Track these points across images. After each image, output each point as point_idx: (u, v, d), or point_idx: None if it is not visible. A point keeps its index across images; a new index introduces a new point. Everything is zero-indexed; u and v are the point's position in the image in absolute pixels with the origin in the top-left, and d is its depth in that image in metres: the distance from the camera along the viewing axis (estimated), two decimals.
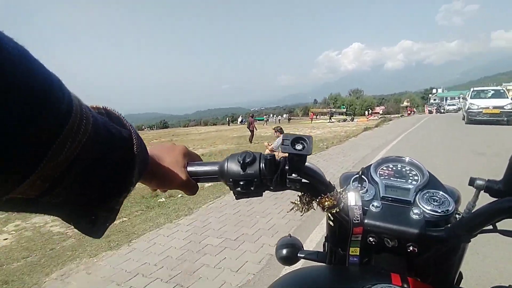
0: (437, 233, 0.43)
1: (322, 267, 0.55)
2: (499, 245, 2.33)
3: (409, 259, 0.47)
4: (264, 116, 53.03)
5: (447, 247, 0.45)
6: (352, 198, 0.45)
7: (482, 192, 0.45)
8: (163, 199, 4.67)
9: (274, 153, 0.52)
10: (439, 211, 0.45)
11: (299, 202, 0.47)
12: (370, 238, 0.46)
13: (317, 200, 0.45)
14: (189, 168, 0.45)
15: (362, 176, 0.52)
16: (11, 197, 0.21)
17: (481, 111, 11.79)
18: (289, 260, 0.62)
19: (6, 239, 3.31)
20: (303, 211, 0.47)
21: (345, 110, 64.60)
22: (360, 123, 23.79)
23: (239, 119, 50.44)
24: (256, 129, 16.13)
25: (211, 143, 15.69)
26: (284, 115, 56.76)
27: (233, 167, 0.42)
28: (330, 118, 37.80)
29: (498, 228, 0.41)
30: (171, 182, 0.43)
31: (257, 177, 0.42)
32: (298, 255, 0.62)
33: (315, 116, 49.11)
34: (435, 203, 0.46)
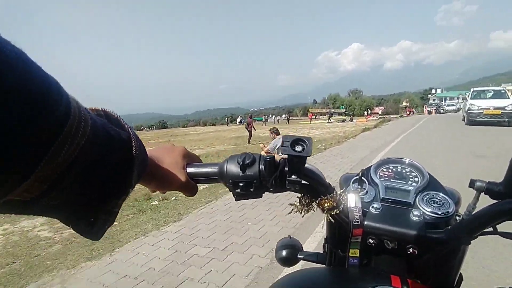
0: (437, 235, 0.42)
1: (321, 268, 0.55)
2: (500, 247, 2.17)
3: (409, 261, 0.46)
4: (263, 117, 52.92)
5: (447, 249, 0.44)
6: (352, 200, 0.45)
7: (482, 194, 0.45)
8: (156, 202, 4.54)
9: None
10: (439, 213, 0.45)
11: (298, 204, 0.46)
12: (370, 239, 0.45)
13: (317, 202, 0.44)
14: (189, 170, 0.44)
15: (362, 178, 0.51)
16: (9, 199, 0.21)
17: (482, 112, 11.50)
18: (288, 261, 0.62)
19: None
20: (302, 213, 0.46)
21: (344, 110, 64.55)
22: (359, 124, 23.67)
23: (238, 119, 50.35)
24: (255, 129, 16.03)
25: (208, 144, 15.54)
26: (283, 115, 56.63)
27: (233, 168, 0.42)
28: (329, 119, 37.71)
29: (499, 230, 0.41)
30: (170, 183, 0.42)
31: (257, 178, 0.41)
32: (298, 256, 0.61)
33: (314, 117, 49.02)
34: (435, 205, 0.46)
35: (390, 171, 0.55)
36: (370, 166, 0.56)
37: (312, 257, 0.60)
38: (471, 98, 12.65)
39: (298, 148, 0.39)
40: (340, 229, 0.50)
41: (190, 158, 0.47)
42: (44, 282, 2.36)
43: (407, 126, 15.35)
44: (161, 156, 0.43)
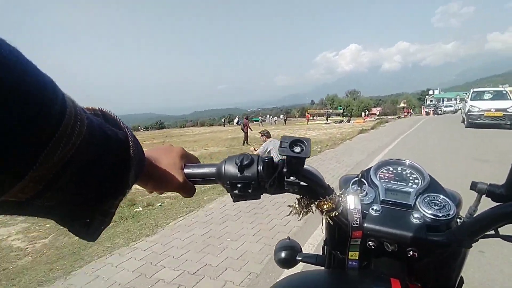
0: (437, 238, 0.42)
1: (321, 271, 0.55)
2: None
3: (409, 264, 0.46)
4: (260, 117, 52.63)
5: (448, 252, 0.43)
6: (352, 202, 0.45)
7: (484, 196, 0.44)
8: (140, 209, 4.24)
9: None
10: (440, 215, 0.44)
11: (297, 205, 0.45)
12: (370, 242, 0.45)
13: (316, 203, 0.44)
14: (186, 170, 0.44)
15: (362, 179, 0.51)
16: (3, 199, 0.21)
17: (483, 114, 10.88)
18: (287, 263, 0.61)
19: None
20: (301, 215, 0.45)
21: (342, 111, 64.45)
22: (356, 125, 23.40)
23: (236, 120, 50.09)
24: (251, 130, 15.77)
25: (203, 145, 15.20)
26: (281, 116, 56.31)
27: (231, 169, 0.42)
28: (326, 119, 37.45)
29: (500, 233, 0.40)
30: (167, 184, 0.42)
31: (255, 179, 0.41)
32: (297, 258, 0.60)
33: (311, 117, 48.77)
34: (436, 207, 0.45)
35: (390, 172, 0.54)
36: (370, 168, 0.55)
37: (311, 259, 0.59)
38: (471, 99, 12.07)
39: (297, 149, 0.38)
40: (339, 231, 0.49)
41: (188, 159, 0.46)
42: None
43: (405, 127, 15.06)
44: (159, 157, 0.42)
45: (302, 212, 0.45)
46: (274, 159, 0.41)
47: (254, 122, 44.77)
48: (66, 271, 2.51)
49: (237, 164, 0.41)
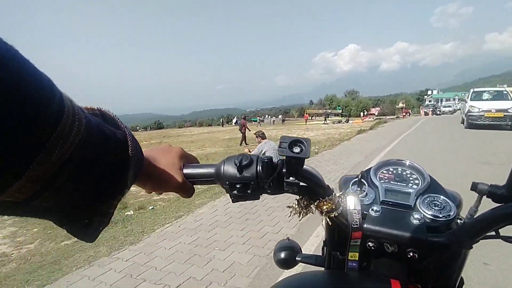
0: (438, 239, 0.42)
1: (320, 272, 0.55)
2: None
3: (409, 265, 0.46)
4: (258, 118, 52.48)
5: (448, 253, 0.43)
6: (351, 202, 0.45)
7: (484, 197, 0.44)
8: (131, 212, 4.08)
9: None
10: (440, 216, 0.44)
11: (297, 206, 0.45)
12: (370, 243, 0.45)
13: (315, 204, 0.43)
14: (185, 170, 0.44)
15: (362, 180, 0.50)
16: (0, 200, 0.21)
17: (483, 115, 10.52)
18: (287, 263, 0.61)
19: None
20: (301, 215, 0.45)
21: (340, 111, 64.42)
22: (355, 125, 23.26)
23: (234, 120, 49.93)
24: (249, 130, 15.66)
25: (200, 146, 15.04)
26: (280, 116, 56.16)
27: (230, 169, 0.41)
28: (325, 120, 37.32)
29: (501, 234, 0.40)
30: (166, 184, 0.41)
31: (254, 180, 0.40)
32: (297, 258, 0.60)
33: (310, 117, 48.66)
34: (436, 208, 0.45)
35: (390, 173, 0.54)
36: (370, 168, 0.55)
37: (310, 259, 0.59)
38: (470, 100, 11.75)
39: (296, 150, 0.38)
40: (339, 232, 0.49)
41: (187, 159, 0.45)
42: None
43: (404, 128, 14.92)
44: (158, 157, 0.41)
45: (302, 212, 0.45)
46: (273, 160, 0.41)
47: (253, 122, 44.61)
48: (41, 284, 2.35)
49: (236, 165, 0.41)
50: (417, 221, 0.44)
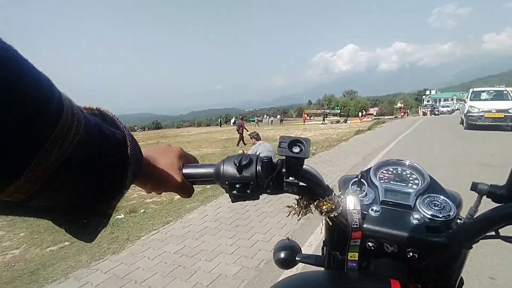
0: (437, 239, 0.42)
1: (320, 272, 0.55)
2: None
3: (409, 265, 0.46)
4: (256, 118, 52.32)
5: (448, 253, 0.43)
6: (351, 202, 0.44)
7: (484, 197, 0.44)
8: (122, 216, 3.93)
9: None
10: (440, 216, 0.44)
11: (296, 206, 0.45)
12: (369, 243, 0.45)
13: (315, 204, 0.43)
14: (185, 170, 0.43)
15: (362, 180, 0.50)
16: None
17: (483, 115, 10.20)
18: (287, 263, 0.61)
19: None
20: (300, 215, 0.45)
21: (339, 111, 64.38)
22: (353, 125, 23.14)
23: (232, 120, 49.76)
24: (247, 131, 15.50)
25: (196, 146, 14.86)
26: (278, 116, 56.03)
27: (229, 169, 0.41)
28: (323, 120, 37.19)
29: (501, 234, 0.40)
30: (166, 184, 0.41)
31: (253, 180, 0.40)
32: (296, 258, 0.60)
33: (308, 117, 48.55)
34: (436, 208, 0.45)
35: (390, 173, 0.54)
36: (370, 168, 0.55)
37: (310, 259, 0.59)
38: (470, 100, 11.46)
39: (296, 149, 0.38)
40: (338, 232, 0.49)
41: (186, 159, 0.45)
42: None
43: (402, 128, 14.79)
44: (157, 157, 0.41)
45: (302, 212, 0.45)
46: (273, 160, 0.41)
47: (251, 123, 44.44)
48: None
49: (235, 164, 0.41)
50: (417, 221, 0.44)
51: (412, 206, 0.47)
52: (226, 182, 0.41)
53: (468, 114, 10.81)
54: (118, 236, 3.32)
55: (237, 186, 0.41)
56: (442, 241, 0.41)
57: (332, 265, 0.54)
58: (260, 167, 0.40)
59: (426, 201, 0.47)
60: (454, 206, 0.45)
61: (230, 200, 0.43)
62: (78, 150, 0.23)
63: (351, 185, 0.51)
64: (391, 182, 0.52)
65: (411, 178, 0.52)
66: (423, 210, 0.45)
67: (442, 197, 0.47)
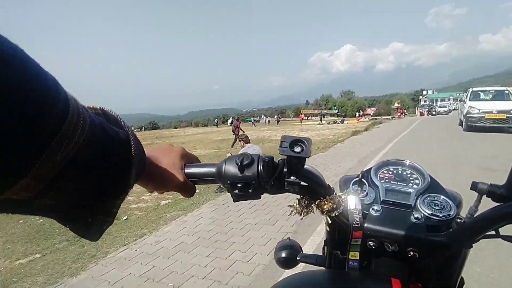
0: (438, 238, 0.42)
1: (321, 271, 0.55)
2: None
3: (410, 264, 0.46)
4: (252, 118, 52.05)
5: (448, 252, 0.43)
6: (352, 202, 0.45)
7: (484, 197, 0.44)
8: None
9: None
10: (440, 215, 0.44)
11: (298, 205, 0.45)
12: (370, 242, 0.45)
13: (316, 203, 0.44)
14: (187, 170, 0.44)
15: (362, 179, 0.51)
16: (4, 198, 0.21)
17: (483, 116, 9.58)
18: (288, 263, 0.61)
19: None
20: (302, 215, 0.45)
21: (336, 111, 64.32)
22: (350, 125, 22.88)
23: (229, 121, 49.47)
24: (244, 132, 15.20)
25: (191, 147, 14.50)
26: (275, 116, 55.75)
27: (231, 169, 0.42)
28: (320, 120, 36.93)
29: (501, 233, 0.41)
30: (168, 184, 0.42)
31: (255, 179, 0.41)
32: (297, 258, 0.61)
33: (306, 118, 48.33)
34: (436, 208, 0.45)
35: (390, 173, 0.54)
36: (371, 168, 0.55)
37: (311, 259, 0.60)
38: (469, 100, 10.85)
39: (297, 149, 0.38)
40: (340, 231, 0.49)
41: (188, 158, 0.45)
42: None
43: (400, 129, 14.52)
44: (159, 156, 0.42)
45: (303, 212, 0.45)
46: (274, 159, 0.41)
47: (248, 123, 44.10)
48: None
49: (237, 164, 0.41)
50: (417, 221, 0.44)
51: (412, 205, 0.47)
52: (228, 182, 0.41)
53: (467, 115, 10.23)
54: (86, 251, 3.00)
55: (239, 185, 0.41)
56: (443, 240, 0.41)
57: (333, 264, 0.54)
58: (261, 167, 0.40)
59: (426, 200, 0.47)
60: (454, 206, 0.45)
61: (232, 199, 0.43)
62: (84, 150, 0.23)
63: (352, 185, 0.51)
64: (391, 182, 0.52)
65: (411, 178, 0.52)
66: (423, 210, 0.45)
67: (442, 196, 0.47)
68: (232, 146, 13.30)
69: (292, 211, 0.45)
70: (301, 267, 0.60)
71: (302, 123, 36.35)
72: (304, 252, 0.62)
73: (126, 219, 3.79)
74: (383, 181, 0.52)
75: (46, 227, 3.84)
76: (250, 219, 3.33)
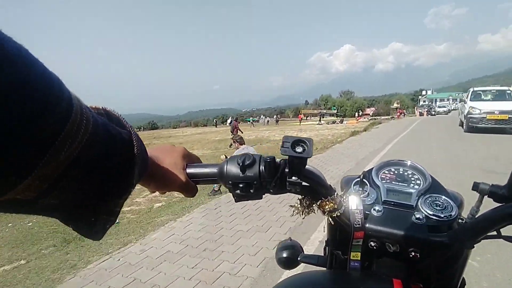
0: (439, 238, 0.42)
1: (323, 271, 0.55)
2: None
3: (411, 265, 0.46)
4: (251, 118, 51.93)
5: (449, 252, 0.43)
6: (353, 202, 0.45)
7: (486, 197, 0.44)
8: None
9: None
10: (442, 216, 0.44)
11: (299, 206, 0.46)
12: (372, 242, 0.45)
13: (318, 204, 0.44)
14: (189, 170, 0.44)
15: (364, 180, 0.51)
16: (8, 197, 0.21)
17: (485, 117, 9.26)
18: (289, 263, 0.61)
19: None
20: (303, 215, 0.46)
21: (336, 111, 64.24)
22: (349, 125, 22.74)
23: (229, 121, 49.35)
24: (242, 132, 15.10)
25: (188, 148, 14.23)
26: (274, 116, 55.58)
27: (233, 169, 0.42)
28: (319, 120, 36.78)
29: (502, 234, 0.40)
30: (170, 184, 0.42)
31: (257, 179, 0.41)
32: (299, 259, 0.60)
33: (305, 118, 48.21)
34: (438, 208, 0.45)
35: (391, 173, 0.54)
36: (372, 168, 0.55)
37: (313, 259, 0.59)
38: (470, 100, 10.55)
39: (299, 149, 0.38)
40: (341, 232, 0.49)
41: (190, 159, 0.46)
42: None
43: (399, 129, 14.38)
44: (161, 156, 0.42)
45: (304, 212, 0.45)
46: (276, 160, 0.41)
47: (247, 123, 43.97)
48: None
49: (239, 164, 0.41)
50: (419, 221, 0.44)
51: (414, 206, 0.47)
52: (230, 182, 0.41)
53: (468, 115, 9.92)
54: (68, 259, 2.85)
55: (241, 185, 0.41)
56: (444, 240, 0.41)
57: (334, 265, 0.54)
58: (263, 167, 0.40)
59: (427, 201, 0.47)
60: (455, 206, 0.45)
61: (234, 199, 0.43)
62: (87, 149, 0.23)
63: (353, 185, 0.51)
64: (393, 182, 0.52)
65: (412, 178, 0.52)
66: (424, 210, 0.45)
67: (443, 197, 0.47)
68: (230, 146, 13.15)
69: (293, 211, 0.46)
70: (302, 268, 0.60)
71: (301, 123, 36.20)
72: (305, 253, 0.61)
73: (117, 223, 3.64)
74: (384, 181, 0.52)
75: (34, 231, 3.73)
76: (242, 225, 3.17)
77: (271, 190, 0.42)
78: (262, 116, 64.55)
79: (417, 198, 0.48)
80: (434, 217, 0.44)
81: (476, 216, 0.43)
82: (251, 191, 0.41)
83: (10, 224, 3.91)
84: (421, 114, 36.35)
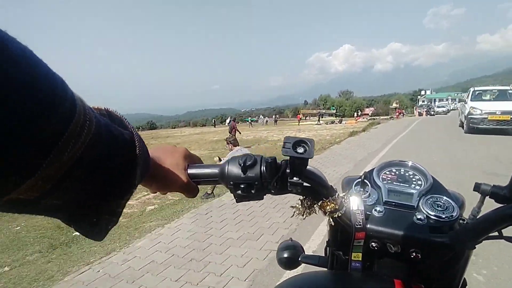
0: (440, 239, 0.42)
1: (324, 272, 0.55)
2: None
3: (412, 265, 0.46)
4: (249, 118, 51.81)
5: (451, 253, 0.43)
6: (355, 203, 0.45)
7: (487, 198, 0.44)
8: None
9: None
10: (443, 216, 0.44)
11: (300, 206, 0.46)
12: (373, 243, 0.45)
13: (319, 204, 0.44)
14: (190, 171, 0.44)
15: (365, 180, 0.51)
16: (11, 197, 0.21)
17: (486, 118, 8.95)
18: (290, 264, 0.61)
19: None
20: (304, 215, 0.46)
21: (335, 111, 64.17)
22: (348, 125, 22.60)
23: (227, 121, 49.24)
24: (240, 133, 14.94)
25: None
26: (273, 116, 55.44)
27: (234, 169, 0.42)
28: (318, 120, 36.64)
29: (504, 234, 0.40)
30: (171, 184, 0.42)
31: (258, 180, 0.41)
32: (300, 259, 0.61)
33: (304, 118, 48.09)
34: (439, 208, 0.46)
35: (393, 174, 0.54)
36: (373, 169, 0.55)
37: (314, 260, 0.60)
38: (471, 100, 10.24)
39: (300, 150, 0.38)
40: (342, 232, 0.49)
41: (191, 159, 0.46)
42: None
43: (398, 130, 14.24)
44: (163, 157, 0.42)
45: (305, 212, 0.45)
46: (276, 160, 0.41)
47: (246, 123, 43.83)
48: None
49: (240, 165, 0.41)
50: (420, 222, 0.44)
51: (415, 206, 0.47)
52: (231, 182, 0.41)
53: (469, 116, 9.59)
54: (47, 269, 2.68)
55: (242, 186, 0.41)
56: (445, 241, 0.41)
57: (335, 265, 0.54)
58: (264, 168, 0.41)
59: (429, 201, 0.47)
60: (457, 207, 0.45)
61: (235, 200, 0.43)
62: (90, 150, 0.23)
63: (355, 186, 0.51)
64: (394, 182, 0.52)
65: (414, 179, 0.52)
66: (426, 211, 0.45)
67: (445, 197, 0.47)
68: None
69: (294, 212, 0.46)
70: (303, 268, 0.59)
71: (300, 123, 36.06)
72: (305, 253, 0.61)
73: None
74: (385, 182, 0.52)
75: (21, 236, 3.59)
76: (232, 232, 3.00)
77: (272, 191, 0.42)
78: (261, 116, 64.41)
79: (418, 198, 0.48)
80: (436, 218, 0.44)
81: (478, 217, 0.42)
82: (253, 191, 0.41)
83: None
84: (420, 114, 36.24)
